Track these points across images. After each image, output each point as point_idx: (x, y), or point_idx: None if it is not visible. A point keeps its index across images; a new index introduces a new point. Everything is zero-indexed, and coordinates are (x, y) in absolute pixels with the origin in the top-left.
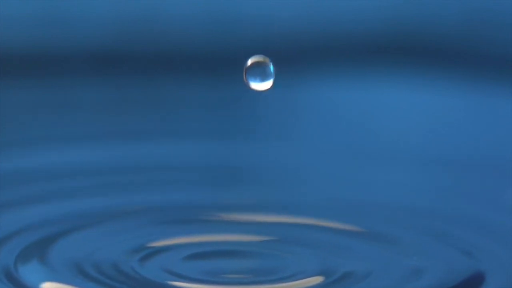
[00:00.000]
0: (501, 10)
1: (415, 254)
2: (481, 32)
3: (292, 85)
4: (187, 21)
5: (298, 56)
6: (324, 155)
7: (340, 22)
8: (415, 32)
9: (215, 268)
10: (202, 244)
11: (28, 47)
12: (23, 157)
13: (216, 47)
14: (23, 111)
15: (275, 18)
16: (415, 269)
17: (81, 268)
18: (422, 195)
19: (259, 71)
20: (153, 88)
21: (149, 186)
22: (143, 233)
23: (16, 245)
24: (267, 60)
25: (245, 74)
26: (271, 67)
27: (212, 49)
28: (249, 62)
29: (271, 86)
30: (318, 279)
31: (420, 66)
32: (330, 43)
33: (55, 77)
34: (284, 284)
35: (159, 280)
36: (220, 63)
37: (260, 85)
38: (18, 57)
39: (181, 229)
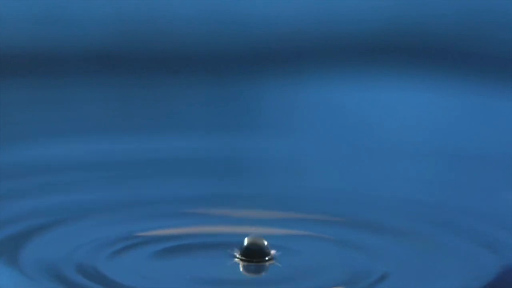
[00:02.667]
0: (501, 10)
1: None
2: (481, 32)
3: (292, 85)
4: (188, 21)
5: (298, 56)
6: (324, 154)
7: (340, 22)
8: (415, 32)
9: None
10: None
11: (28, 46)
12: (10, 153)
13: (217, 47)
14: (22, 109)
15: (275, 18)
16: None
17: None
18: (431, 191)
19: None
20: (154, 88)
21: (149, 180)
22: (136, 225)
23: None
24: (263, 241)
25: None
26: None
27: (212, 49)
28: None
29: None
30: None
31: (420, 66)
32: (329, 43)
33: (55, 77)
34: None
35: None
36: (220, 62)
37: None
38: (18, 56)
39: (181, 221)
